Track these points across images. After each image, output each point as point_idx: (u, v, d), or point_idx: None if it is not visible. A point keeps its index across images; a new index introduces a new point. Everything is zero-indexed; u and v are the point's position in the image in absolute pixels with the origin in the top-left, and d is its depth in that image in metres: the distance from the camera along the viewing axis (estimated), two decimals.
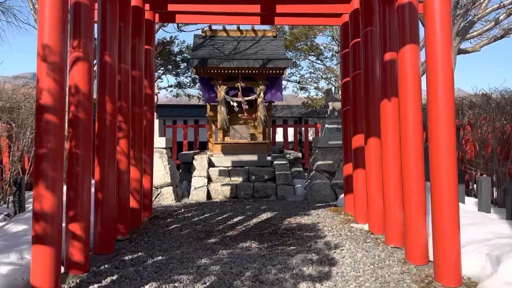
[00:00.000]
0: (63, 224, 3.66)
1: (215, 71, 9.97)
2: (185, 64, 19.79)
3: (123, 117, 5.22)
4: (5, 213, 5.67)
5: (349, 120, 6.76)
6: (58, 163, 3.36)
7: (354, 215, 6.41)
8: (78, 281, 3.70)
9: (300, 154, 11.80)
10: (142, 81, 6.12)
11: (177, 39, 20.55)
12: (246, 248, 4.82)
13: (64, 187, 3.76)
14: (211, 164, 9.68)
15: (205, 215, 6.90)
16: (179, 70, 20.57)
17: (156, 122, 8.62)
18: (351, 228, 5.78)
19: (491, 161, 6.53)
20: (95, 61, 4.70)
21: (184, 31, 18.64)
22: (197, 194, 8.83)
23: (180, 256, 4.47)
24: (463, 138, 7.52)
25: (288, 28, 19.94)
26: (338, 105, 9.38)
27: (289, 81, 22.33)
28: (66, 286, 3.61)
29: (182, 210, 7.41)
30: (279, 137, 16.28)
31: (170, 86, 21.38)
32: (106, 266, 4.11)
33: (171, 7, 6.64)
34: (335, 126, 9.26)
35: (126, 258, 4.39)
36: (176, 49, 19.93)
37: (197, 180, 9.02)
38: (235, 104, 9.97)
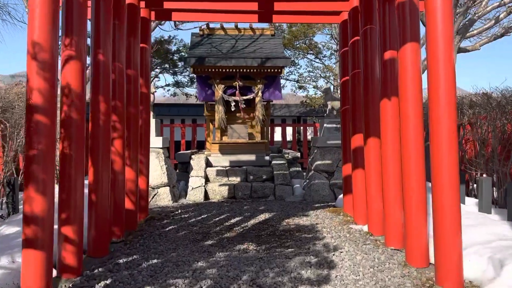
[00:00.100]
0: (56, 227, 3.58)
1: (213, 70, 9.89)
2: (183, 62, 19.66)
3: (118, 117, 5.12)
4: None
5: (348, 120, 6.69)
6: (49, 164, 3.27)
7: (353, 216, 6.33)
8: (70, 285, 3.61)
9: (298, 154, 11.73)
10: (138, 80, 6.02)
11: (176, 38, 20.43)
12: (243, 250, 4.74)
13: (57, 189, 3.67)
14: (208, 164, 9.58)
15: (202, 216, 6.81)
16: (176, 69, 20.44)
17: (153, 121, 8.45)
18: (350, 229, 5.70)
19: (491, 161, 6.47)
20: (88, 60, 4.60)
21: (181, 30, 18.51)
22: (194, 195, 8.74)
23: (176, 259, 4.37)
24: (463, 137, 7.45)
25: (286, 26, 19.83)
26: (337, 104, 9.29)
27: (288, 80, 22.24)
28: None
29: (179, 210, 7.32)
30: (277, 137, 16.19)
31: (168, 85, 21.22)
32: (100, 269, 4.01)
33: (167, 5, 6.52)
34: (334, 125, 9.17)
35: (121, 261, 4.29)
36: (173, 48, 19.83)
37: (195, 180, 8.92)
38: (233, 103, 9.89)
